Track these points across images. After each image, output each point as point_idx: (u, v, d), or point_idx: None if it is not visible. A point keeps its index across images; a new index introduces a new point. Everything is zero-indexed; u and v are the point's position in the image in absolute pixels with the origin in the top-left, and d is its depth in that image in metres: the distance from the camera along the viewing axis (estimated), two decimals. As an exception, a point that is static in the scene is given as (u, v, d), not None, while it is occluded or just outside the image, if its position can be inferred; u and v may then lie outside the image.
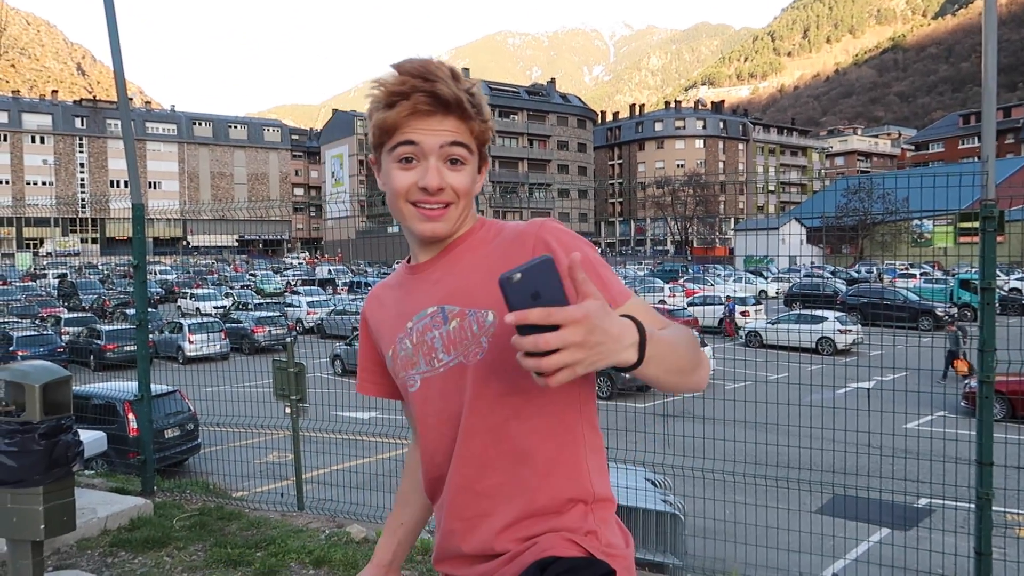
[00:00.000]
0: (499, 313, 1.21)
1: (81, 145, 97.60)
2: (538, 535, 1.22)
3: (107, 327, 23.14)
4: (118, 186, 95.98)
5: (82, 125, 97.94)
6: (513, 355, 1.02)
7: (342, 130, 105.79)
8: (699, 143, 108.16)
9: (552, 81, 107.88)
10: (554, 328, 0.91)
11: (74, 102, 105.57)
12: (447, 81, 1.23)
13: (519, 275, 0.94)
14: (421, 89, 1.22)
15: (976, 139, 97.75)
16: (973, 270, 16.80)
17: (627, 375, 1.08)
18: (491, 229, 1.35)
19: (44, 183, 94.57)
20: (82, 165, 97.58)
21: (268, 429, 6.61)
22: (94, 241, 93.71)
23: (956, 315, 17.55)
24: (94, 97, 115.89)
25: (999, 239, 3.74)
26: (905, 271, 31.18)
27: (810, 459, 4.78)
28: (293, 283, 41.73)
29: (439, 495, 1.34)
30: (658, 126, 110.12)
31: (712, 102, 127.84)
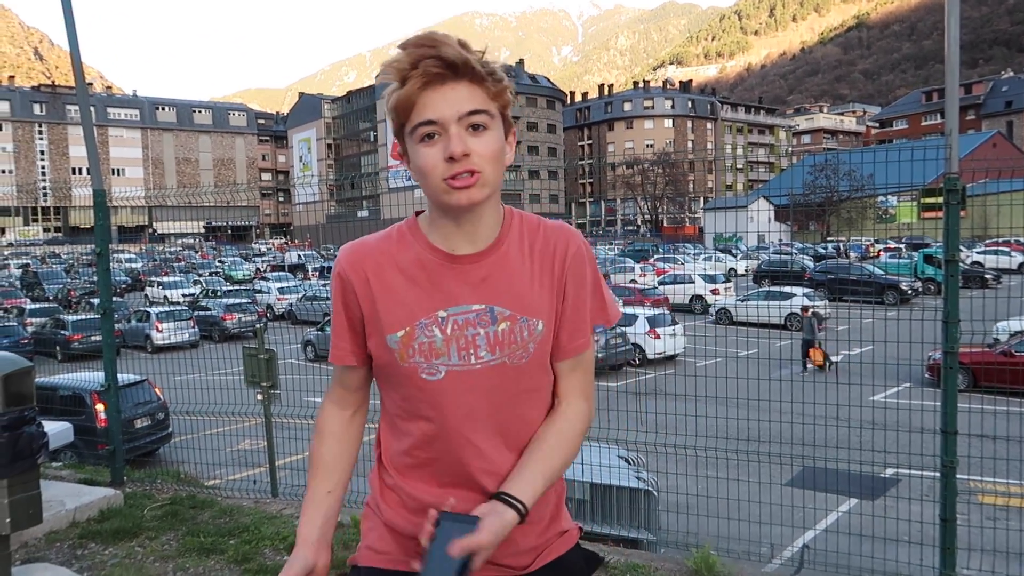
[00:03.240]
0: (547, 323, 1.36)
1: (41, 132, 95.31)
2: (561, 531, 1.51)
3: (72, 317, 22.75)
4: (80, 173, 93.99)
5: (41, 111, 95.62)
6: (546, 360, 1.38)
7: (309, 114, 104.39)
8: (668, 123, 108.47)
9: (521, 62, 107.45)
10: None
11: (32, 88, 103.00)
12: (453, 45, 1.23)
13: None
14: (428, 55, 1.22)
15: (939, 116, 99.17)
16: (936, 245, 17.07)
17: None
18: (524, 222, 1.41)
19: (4, 171, 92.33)
20: (42, 152, 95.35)
21: (240, 417, 6.55)
22: (57, 230, 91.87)
23: (813, 304, 17.37)
24: (53, 82, 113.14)
25: (962, 213, 3.80)
26: (893, 248, 31.53)
27: (780, 432, 4.85)
28: (263, 269, 41.27)
29: (427, 477, 1.39)
30: (627, 106, 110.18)
31: (680, 82, 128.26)
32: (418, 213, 1.42)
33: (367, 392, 1.52)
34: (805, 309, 15.95)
